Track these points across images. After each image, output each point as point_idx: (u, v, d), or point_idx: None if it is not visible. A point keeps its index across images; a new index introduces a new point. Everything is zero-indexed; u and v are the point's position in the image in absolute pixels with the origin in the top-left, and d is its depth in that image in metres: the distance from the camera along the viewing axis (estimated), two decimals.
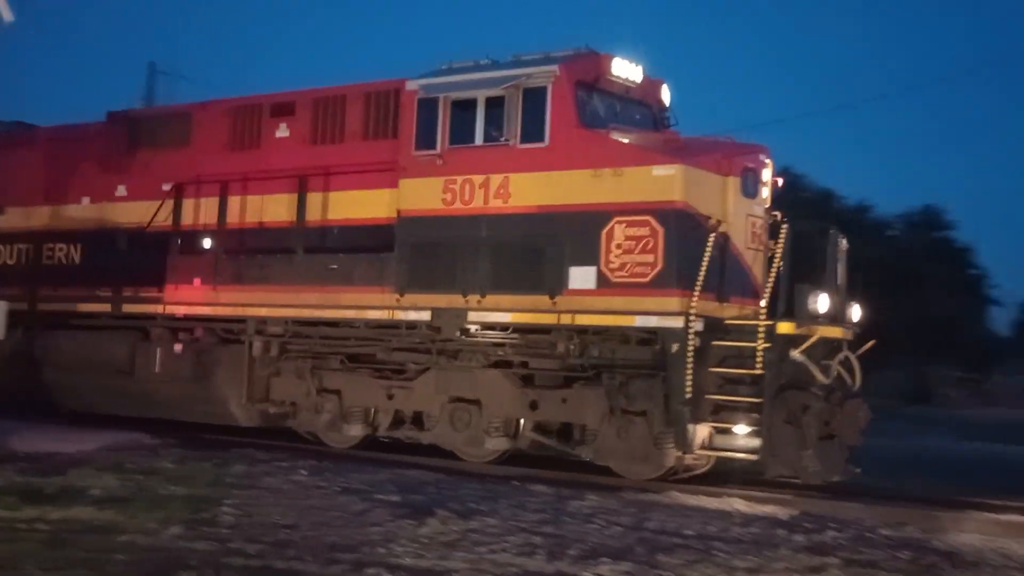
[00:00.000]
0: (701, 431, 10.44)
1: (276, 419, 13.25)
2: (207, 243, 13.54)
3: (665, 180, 10.67)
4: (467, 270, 11.55)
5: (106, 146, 14.85)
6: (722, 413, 10.44)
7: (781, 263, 10.74)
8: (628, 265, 10.67)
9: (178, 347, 13.65)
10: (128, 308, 14.20)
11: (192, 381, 13.35)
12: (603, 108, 11.76)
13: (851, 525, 8.61)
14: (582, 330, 10.98)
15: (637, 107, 12.34)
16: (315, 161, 12.73)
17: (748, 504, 9.65)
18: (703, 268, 10.38)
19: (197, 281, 13.52)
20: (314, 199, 12.69)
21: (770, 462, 10.51)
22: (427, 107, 11.84)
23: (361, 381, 12.41)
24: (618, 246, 10.72)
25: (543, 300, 11.07)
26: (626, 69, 11.95)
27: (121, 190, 14.59)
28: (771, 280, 10.70)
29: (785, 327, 10.40)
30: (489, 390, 11.58)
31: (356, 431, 12.56)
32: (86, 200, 15.00)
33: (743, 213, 11.17)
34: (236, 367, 13.12)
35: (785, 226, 10.94)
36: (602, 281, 10.78)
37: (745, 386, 10.37)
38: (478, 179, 11.53)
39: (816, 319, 10.59)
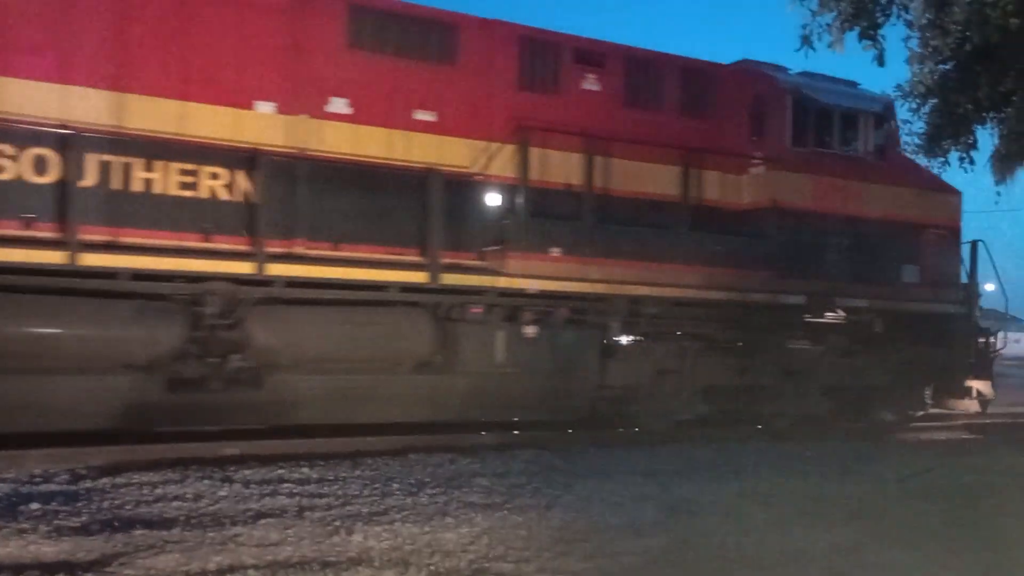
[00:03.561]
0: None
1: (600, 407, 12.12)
2: (572, 207, 11.38)
3: (955, 205, 14.56)
4: (831, 262, 13.15)
5: (297, 27, 10.15)
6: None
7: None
8: (936, 267, 14.17)
9: (530, 330, 11.18)
10: (401, 277, 10.43)
11: (547, 371, 11.21)
12: None
13: None
14: (897, 312, 13.73)
15: None
16: (638, 128, 11.89)
17: None
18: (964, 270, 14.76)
19: (556, 251, 11.16)
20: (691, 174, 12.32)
21: None
22: (801, 107, 12.84)
23: (716, 360, 12.64)
24: (931, 253, 14.14)
25: (887, 290, 13.59)
26: None
27: (339, 105, 10.31)
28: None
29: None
30: (816, 362, 13.29)
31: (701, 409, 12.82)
32: (266, 107, 9.99)
33: None
34: (592, 352, 11.70)
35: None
36: (922, 277, 14.03)
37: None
38: (839, 183, 13.14)
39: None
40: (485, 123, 11.07)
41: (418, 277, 10.49)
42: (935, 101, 7.57)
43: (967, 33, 6.46)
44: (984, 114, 7.61)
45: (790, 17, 7.52)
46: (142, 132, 9.29)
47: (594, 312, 11.73)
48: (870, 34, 6.57)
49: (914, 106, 7.65)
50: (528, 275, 11.03)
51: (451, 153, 10.81)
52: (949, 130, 7.50)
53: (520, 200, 11.06)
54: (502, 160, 11.09)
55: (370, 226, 10.29)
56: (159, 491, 7.57)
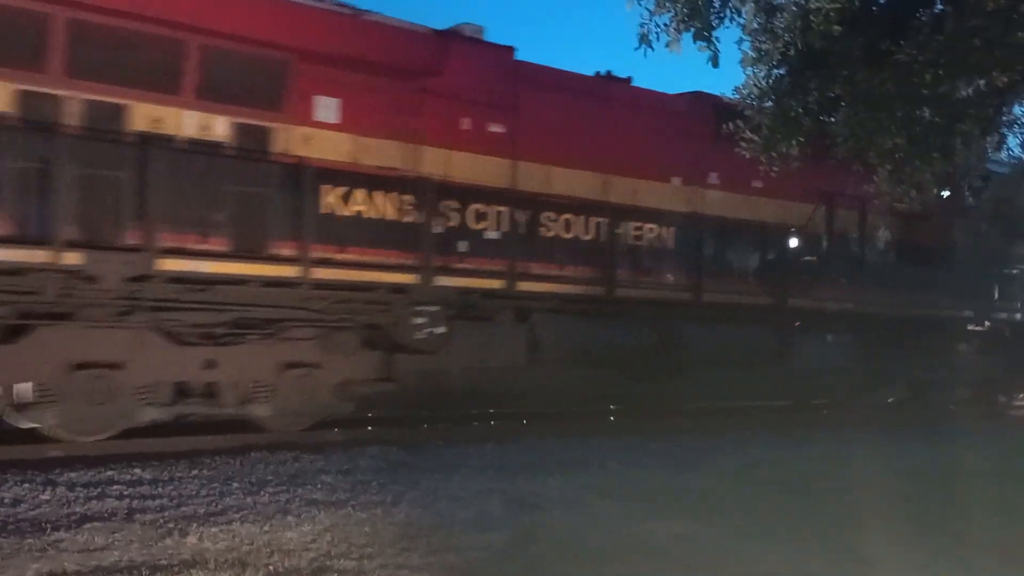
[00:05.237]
0: None
1: None
2: (856, 250, 16.40)
3: None
4: (988, 286, 18.65)
5: (694, 128, 13.87)
6: None
7: None
8: None
9: (829, 337, 15.95)
10: (762, 301, 14.79)
11: (833, 366, 15.52)
12: None
13: None
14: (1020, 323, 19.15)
15: None
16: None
17: None
18: None
19: (843, 281, 15.84)
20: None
21: None
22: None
23: (916, 358, 16.95)
24: None
25: (1017, 306, 18.90)
26: None
27: (713, 178, 14.47)
28: None
29: None
30: (971, 359, 18.21)
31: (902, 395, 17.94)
32: (677, 181, 14.20)
33: None
34: (854, 353, 16.07)
35: None
36: None
37: None
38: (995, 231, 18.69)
39: None
40: (788, 188, 14.45)
41: (768, 301, 14.78)
42: (770, 104, 7.90)
43: (794, 38, 6.75)
44: (815, 118, 7.97)
45: (628, 16, 7.69)
46: (615, 203, 13.20)
47: (857, 325, 16.07)
48: (705, 35, 6.76)
49: (750, 108, 7.92)
50: (830, 299, 15.51)
51: (772, 211, 14.98)
52: (782, 132, 7.83)
53: (824, 244, 15.90)
54: (805, 216, 15.55)
55: (738, 267, 14.68)
56: None
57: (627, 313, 13.28)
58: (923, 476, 9.72)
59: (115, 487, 7.54)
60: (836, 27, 6.57)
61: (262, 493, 7.57)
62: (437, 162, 11.60)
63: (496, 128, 12.19)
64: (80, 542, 5.99)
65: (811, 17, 6.54)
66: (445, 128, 11.68)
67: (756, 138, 8.07)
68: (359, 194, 10.88)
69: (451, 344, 11.52)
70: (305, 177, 10.36)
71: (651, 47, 6.93)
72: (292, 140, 10.59)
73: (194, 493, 7.49)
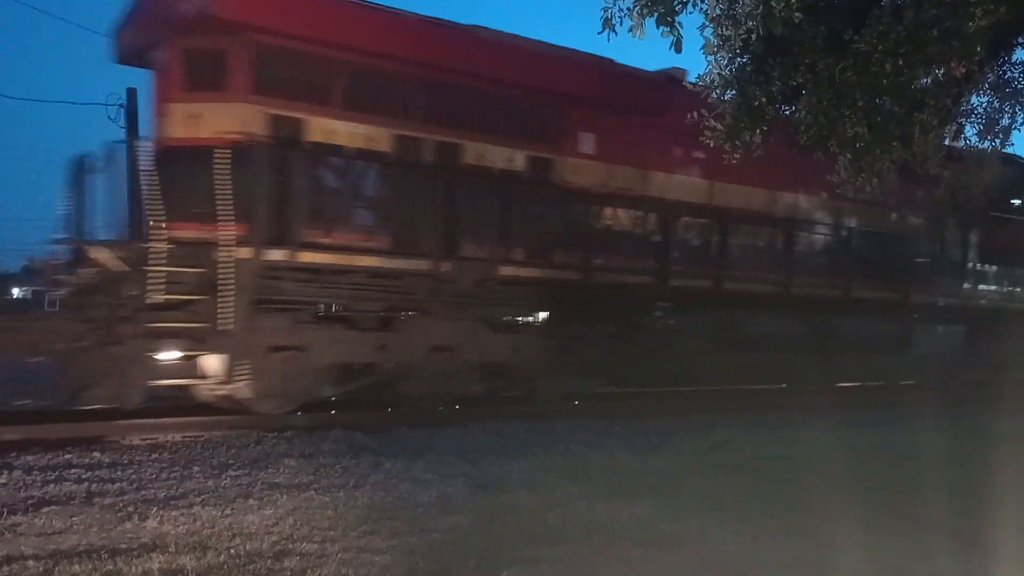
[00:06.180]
0: None
1: None
2: (960, 252, 19.43)
3: None
4: None
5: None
6: None
7: None
8: None
9: (941, 328, 19.23)
10: (892, 297, 17.69)
11: (946, 351, 18.91)
12: None
13: None
14: None
15: None
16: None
17: None
18: None
19: (950, 280, 19.07)
20: None
21: None
22: None
23: (996, 342, 19.09)
24: None
25: None
26: None
27: (849, 191, 17.05)
28: None
29: None
30: None
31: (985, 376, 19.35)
32: (824, 194, 16.28)
33: None
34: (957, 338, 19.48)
35: None
36: None
37: None
38: None
39: None
40: (908, 201, 17.50)
41: (897, 297, 17.82)
42: (734, 92, 7.93)
43: (755, 24, 6.77)
44: (778, 107, 8.02)
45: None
46: (786, 216, 16.38)
47: (959, 316, 19.10)
48: (667, 20, 6.77)
49: (715, 96, 7.93)
50: (940, 296, 18.44)
51: (896, 220, 18.13)
52: (746, 121, 7.88)
53: (938, 249, 19.13)
54: (921, 225, 18.75)
55: (873, 268, 17.28)
56: None
57: (797, 308, 15.90)
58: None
59: (73, 470, 7.48)
60: (797, 14, 6.61)
61: (224, 477, 7.54)
62: (658, 184, 14.50)
63: (698, 154, 14.30)
64: (38, 526, 5.94)
65: (772, 3, 6.57)
66: (663, 156, 14.49)
67: (720, 126, 8.09)
68: (609, 211, 13.95)
69: (677, 333, 14.59)
70: (583, 200, 13.50)
71: (614, 32, 6.93)
72: (564, 169, 13.52)
73: (154, 476, 7.45)
